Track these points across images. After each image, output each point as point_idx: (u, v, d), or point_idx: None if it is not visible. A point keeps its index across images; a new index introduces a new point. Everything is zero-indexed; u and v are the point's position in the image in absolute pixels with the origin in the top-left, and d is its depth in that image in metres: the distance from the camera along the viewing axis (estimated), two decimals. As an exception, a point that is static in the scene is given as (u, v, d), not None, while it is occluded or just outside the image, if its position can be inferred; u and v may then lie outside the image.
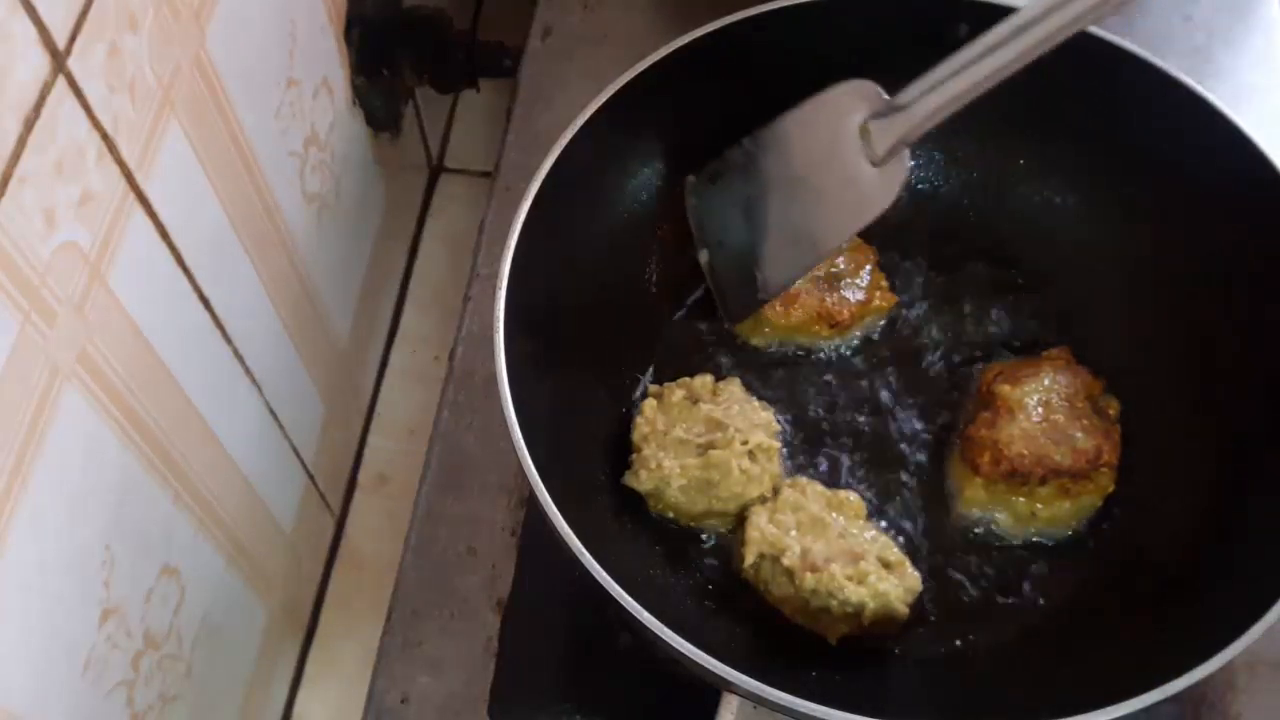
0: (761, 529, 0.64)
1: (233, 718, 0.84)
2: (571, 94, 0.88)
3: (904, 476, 0.71)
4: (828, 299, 0.74)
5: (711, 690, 0.59)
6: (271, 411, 0.82)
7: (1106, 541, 0.68)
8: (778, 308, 0.73)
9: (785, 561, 0.63)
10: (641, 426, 0.68)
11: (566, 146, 0.66)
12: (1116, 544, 0.67)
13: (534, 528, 0.74)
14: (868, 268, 0.75)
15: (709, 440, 0.66)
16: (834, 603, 0.62)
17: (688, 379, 0.71)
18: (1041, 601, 0.67)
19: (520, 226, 0.64)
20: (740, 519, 0.67)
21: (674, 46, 0.69)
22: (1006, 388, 0.69)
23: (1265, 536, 0.61)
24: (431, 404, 0.79)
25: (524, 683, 0.70)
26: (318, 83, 0.81)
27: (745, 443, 0.66)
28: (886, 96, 0.66)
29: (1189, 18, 0.91)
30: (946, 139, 0.78)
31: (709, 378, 0.71)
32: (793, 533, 0.64)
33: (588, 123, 0.67)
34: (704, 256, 0.74)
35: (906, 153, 0.66)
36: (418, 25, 0.96)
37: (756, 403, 0.70)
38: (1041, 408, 0.68)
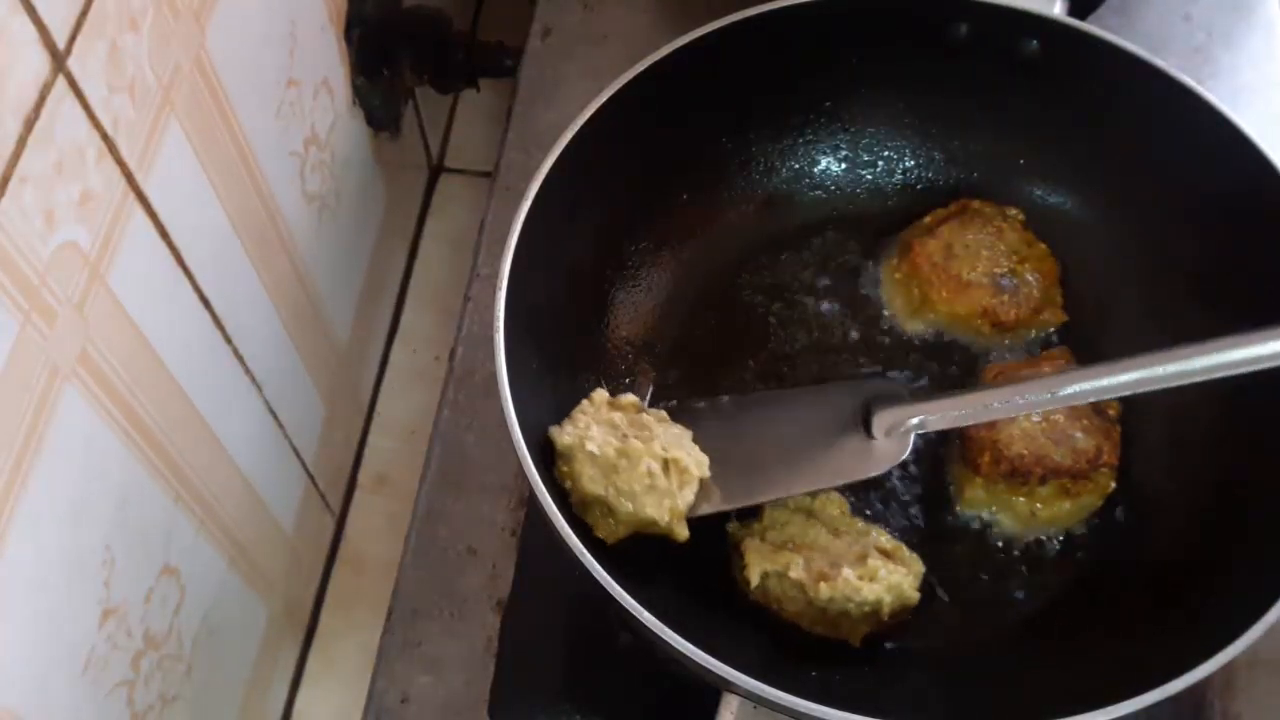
0: (758, 548, 0.64)
1: (233, 718, 0.84)
2: (571, 94, 0.88)
3: (903, 477, 0.71)
4: (998, 298, 0.73)
5: (711, 690, 0.59)
6: (271, 411, 0.82)
7: (1106, 541, 0.68)
8: (944, 293, 0.73)
9: (793, 575, 0.62)
10: (587, 403, 0.66)
11: (566, 146, 0.66)
12: (1116, 544, 0.67)
13: (534, 528, 0.74)
14: (1049, 279, 0.74)
15: (636, 435, 0.65)
16: (851, 605, 0.62)
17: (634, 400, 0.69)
18: (1041, 601, 0.67)
19: (520, 226, 0.64)
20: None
21: (674, 46, 0.69)
22: (1007, 388, 0.69)
23: (1265, 536, 0.61)
24: (431, 404, 0.79)
25: (524, 683, 0.70)
26: (318, 83, 0.81)
27: (664, 451, 0.64)
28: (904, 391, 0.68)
29: (1189, 18, 0.91)
30: (946, 139, 0.78)
31: (663, 412, 0.69)
32: (789, 546, 0.64)
33: (588, 123, 0.67)
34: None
35: (911, 436, 0.66)
36: (418, 25, 0.96)
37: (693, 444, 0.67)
38: (1041, 408, 0.68)
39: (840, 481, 0.67)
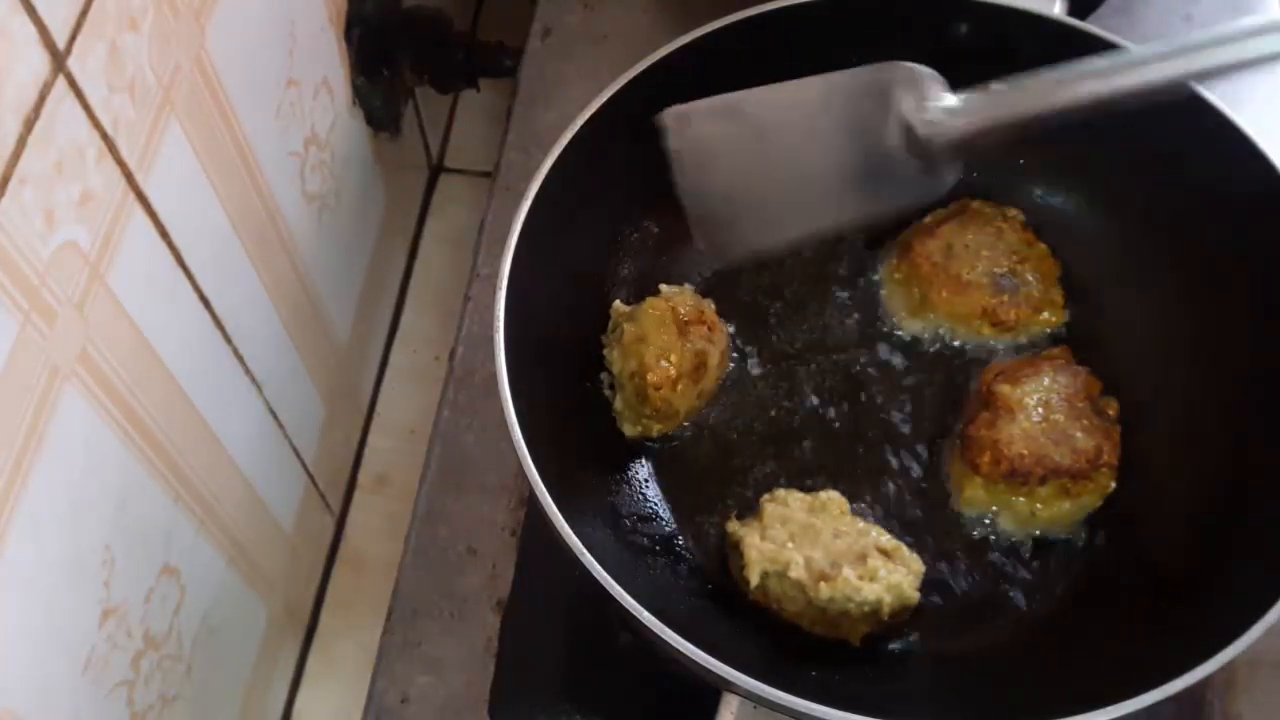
0: (758, 547, 0.64)
1: (233, 718, 0.84)
2: (571, 94, 0.88)
3: (903, 476, 0.71)
4: (998, 298, 0.73)
5: (711, 690, 0.59)
6: (271, 411, 0.82)
7: (1106, 541, 0.68)
8: (944, 293, 0.73)
9: (793, 575, 0.62)
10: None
11: (566, 146, 0.66)
12: (1116, 544, 0.67)
13: (534, 528, 0.74)
14: (1049, 279, 0.74)
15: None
16: (851, 605, 0.62)
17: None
18: (1041, 601, 0.67)
19: (520, 226, 0.64)
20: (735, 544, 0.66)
21: (674, 46, 0.69)
22: (1006, 388, 0.69)
23: (1265, 537, 0.61)
24: (431, 404, 0.79)
25: (524, 683, 0.70)
26: (318, 83, 0.82)
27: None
28: (943, 85, 0.58)
29: (1189, 18, 0.91)
30: (946, 139, 0.78)
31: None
32: (789, 545, 0.64)
33: (587, 123, 0.67)
34: (683, 183, 0.63)
35: (958, 160, 0.59)
36: (418, 25, 0.96)
37: None
38: (1041, 408, 0.68)
39: (869, 213, 0.61)
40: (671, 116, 0.62)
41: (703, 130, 0.62)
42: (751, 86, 0.73)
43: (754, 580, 0.63)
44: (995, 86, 0.56)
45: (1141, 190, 0.73)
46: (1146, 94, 0.54)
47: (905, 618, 0.64)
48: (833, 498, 0.67)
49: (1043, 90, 0.55)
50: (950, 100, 0.57)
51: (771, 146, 0.62)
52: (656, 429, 0.70)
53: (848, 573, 0.62)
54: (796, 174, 0.61)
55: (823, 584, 0.62)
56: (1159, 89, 0.53)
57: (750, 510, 0.68)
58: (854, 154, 0.60)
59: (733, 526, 0.67)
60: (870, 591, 0.62)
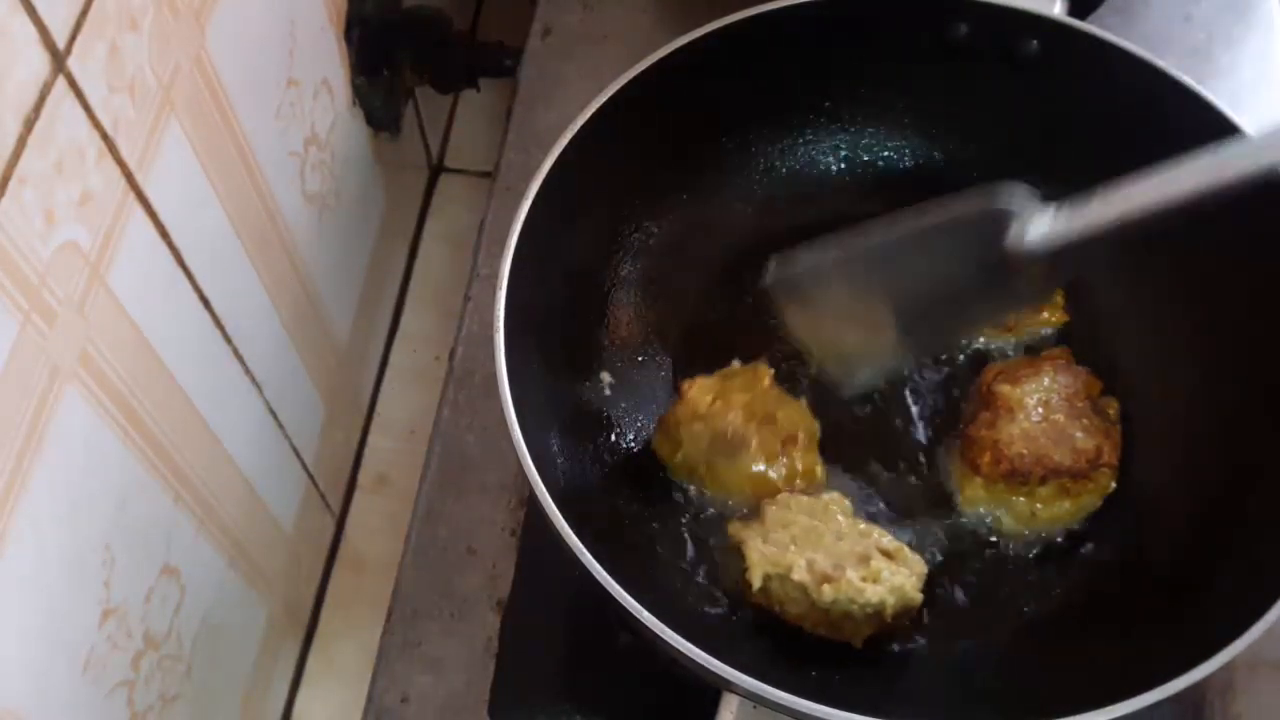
0: (760, 550, 0.64)
1: (233, 718, 0.84)
2: (571, 94, 0.88)
3: (903, 476, 0.71)
4: None
5: (711, 690, 0.59)
6: (271, 411, 0.82)
7: (1106, 541, 0.68)
8: None
9: (795, 577, 0.62)
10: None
11: (566, 146, 0.66)
12: (1116, 544, 0.67)
13: (534, 528, 0.74)
14: None
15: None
16: (855, 607, 0.62)
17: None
18: (1042, 601, 0.67)
19: (520, 226, 0.64)
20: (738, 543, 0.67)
21: (674, 46, 0.69)
22: (1006, 387, 0.69)
23: (1265, 537, 0.61)
24: (431, 404, 0.79)
25: (524, 683, 0.70)
26: (318, 83, 0.82)
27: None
28: (1039, 203, 0.58)
29: (1189, 18, 0.91)
30: (946, 139, 0.78)
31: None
32: (792, 548, 0.64)
33: (588, 123, 0.67)
34: (797, 328, 0.67)
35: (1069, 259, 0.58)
36: (418, 25, 0.96)
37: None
38: (1041, 408, 0.68)
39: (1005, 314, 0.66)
40: (776, 266, 0.64)
41: (808, 280, 0.63)
42: (751, 86, 0.74)
43: (756, 583, 0.63)
44: (1099, 194, 0.56)
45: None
46: (1245, 183, 0.53)
47: (908, 619, 0.64)
48: (834, 499, 0.67)
49: (1137, 194, 0.55)
50: (1049, 220, 0.57)
51: (880, 290, 0.63)
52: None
53: (851, 575, 0.62)
54: (909, 311, 0.62)
55: (825, 586, 0.62)
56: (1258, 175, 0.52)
57: (752, 513, 0.68)
58: (965, 285, 0.61)
59: (734, 528, 0.67)
60: (873, 593, 0.62)
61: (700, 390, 0.68)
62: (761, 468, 0.68)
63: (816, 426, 0.70)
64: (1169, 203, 0.55)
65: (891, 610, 0.62)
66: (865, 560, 0.63)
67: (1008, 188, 0.58)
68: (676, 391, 0.70)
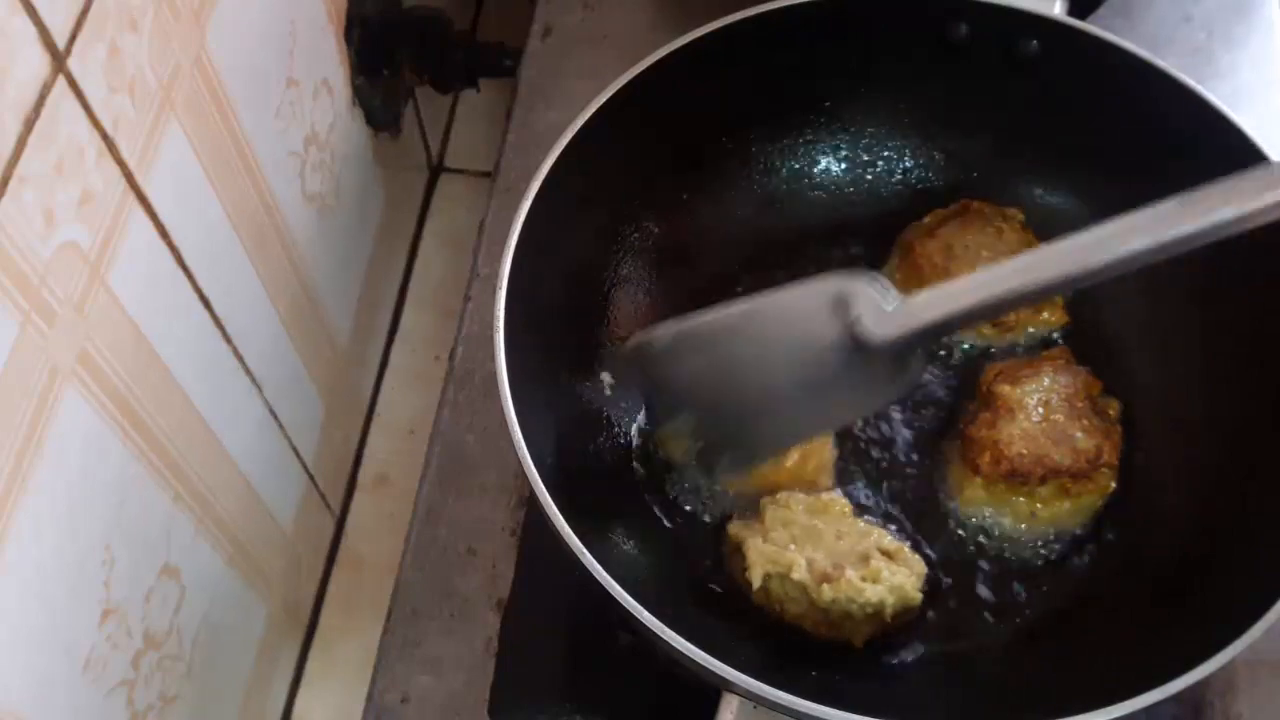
0: (760, 549, 0.64)
1: (233, 718, 0.84)
2: (571, 94, 0.88)
3: (903, 477, 0.71)
4: None
5: (711, 690, 0.59)
6: (271, 411, 0.82)
7: (1107, 541, 0.68)
8: None
9: (795, 576, 0.62)
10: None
11: (566, 146, 0.66)
12: (1117, 544, 0.67)
13: (534, 528, 0.74)
14: None
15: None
16: (855, 607, 0.62)
17: None
18: (1041, 601, 0.67)
19: (520, 226, 0.64)
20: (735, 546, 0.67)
21: (674, 46, 0.69)
22: (1006, 387, 0.69)
23: (1265, 536, 0.61)
24: (431, 404, 0.79)
25: (524, 683, 0.70)
26: (318, 83, 0.82)
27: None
28: (884, 286, 0.57)
29: (1189, 18, 0.91)
30: (946, 139, 0.78)
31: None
32: (792, 547, 0.64)
33: (588, 123, 0.67)
34: (670, 426, 0.68)
35: (920, 352, 0.58)
36: (418, 25, 0.96)
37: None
38: (1041, 408, 0.68)
39: (851, 418, 0.64)
40: (630, 349, 0.63)
41: (667, 368, 0.63)
42: (751, 86, 0.74)
43: (756, 582, 0.63)
44: (948, 285, 0.55)
45: (1141, 190, 0.72)
46: (1111, 271, 0.52)
47: (907, 619, 0.64)
48: (834, 499, 0.67)
49: (974, 286, 0.54)
50: (892, 305, 0.56)
51: (736, 373, 0.62)
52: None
53: (850, 574, 0.62)
54: (768, 397, 0.61)
55: (825, 586, 0.62)
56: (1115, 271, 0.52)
57: (752, 512, 0.68)
58: (817, 369, 0.59)
59: (734, 528, 0.67)
60: (873, 593, 0.62)
61: None
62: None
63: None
64: (1039, 290, 0.54)
65: (891, 610, 0.62)
66: (865, 560, 0.63)
67: (851, 274, 0.58)
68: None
